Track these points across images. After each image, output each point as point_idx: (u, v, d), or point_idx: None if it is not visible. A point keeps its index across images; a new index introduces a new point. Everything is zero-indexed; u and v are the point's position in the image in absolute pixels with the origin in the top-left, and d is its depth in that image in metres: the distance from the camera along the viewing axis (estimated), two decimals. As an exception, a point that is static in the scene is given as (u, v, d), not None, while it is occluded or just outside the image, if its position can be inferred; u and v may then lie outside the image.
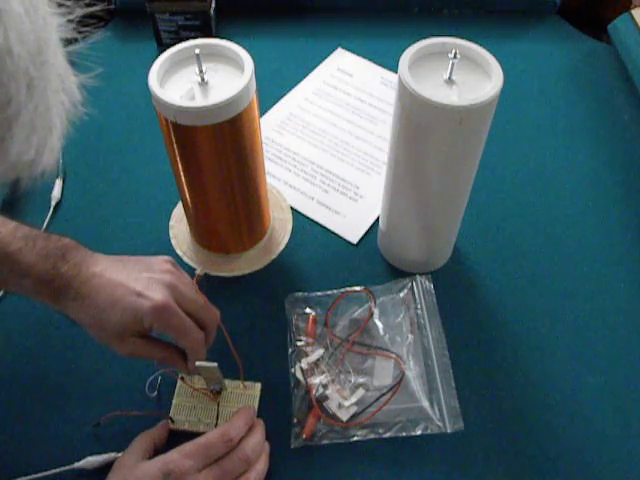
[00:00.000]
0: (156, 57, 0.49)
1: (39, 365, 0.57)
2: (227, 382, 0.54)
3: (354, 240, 0.66)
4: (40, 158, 0.30)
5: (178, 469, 0.44)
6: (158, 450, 0.49)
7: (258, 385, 0.55)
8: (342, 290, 0.61)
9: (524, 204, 0.70)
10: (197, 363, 0.49)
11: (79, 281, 0.46)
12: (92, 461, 0.50)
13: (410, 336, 0.57)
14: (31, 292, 0.46)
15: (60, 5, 0.29)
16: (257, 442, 0.49)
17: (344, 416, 0.53)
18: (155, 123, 0.51)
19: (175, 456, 0.45)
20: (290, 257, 0.64)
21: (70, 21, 0.30)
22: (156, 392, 0.55)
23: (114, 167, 0.73)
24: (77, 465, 0.50)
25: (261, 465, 0.49)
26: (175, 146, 0.51)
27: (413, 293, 0.60)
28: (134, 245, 0.66)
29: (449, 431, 0.52)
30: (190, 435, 0.49)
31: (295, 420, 0.53)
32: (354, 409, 0.53)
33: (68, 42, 0.32)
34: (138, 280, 0.47)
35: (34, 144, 0.29)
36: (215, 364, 0.49)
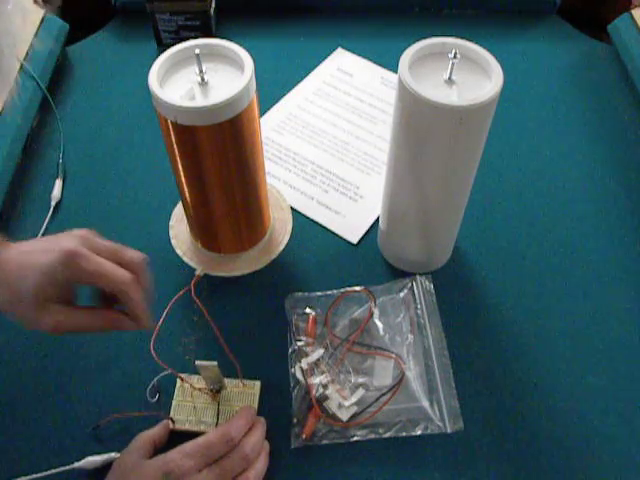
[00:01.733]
0: (156, 57, 0.49)
1: (39, 365, 0.57)
2: (227, 381, 0.54)
3: (354, 240, 0.66)
4: None
5: (178, 469, 0.44)
6: (158, 450, 0.49)
7: (258, 383, 0.55)
8: (342, 290, 0.60)
9: (524, 204, 0.70)
10: (196, 363, 0.49)
11: None
12: (92, 461, 0.50)
13: (410, 336, 0.57)
14: None
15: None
16: (257, 441, 0.49)
17: (344, 416, 0.53)
18: (155, 123, 0.51)
19: (175, 456, 0.45)
20: (290, 257, 0.64)
21: None
22: (157, 395, 0.55)
23: (114, 167, 0.73)
24: (77, 465, 0.50)
25: (260, 464, 0.49)
26: (175, 146, 0.51)
27: (413, 293, 0.60)
28: (134, 245, 0.65)
29: (449, 431, 0.52)
30: (190, 435, 0.49)
31: (295, 420, 0.53)
32: (354, 409, 0.53)
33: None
34: (46, 241, 0.46)
35: None
36: (215, 363, 0.49)
